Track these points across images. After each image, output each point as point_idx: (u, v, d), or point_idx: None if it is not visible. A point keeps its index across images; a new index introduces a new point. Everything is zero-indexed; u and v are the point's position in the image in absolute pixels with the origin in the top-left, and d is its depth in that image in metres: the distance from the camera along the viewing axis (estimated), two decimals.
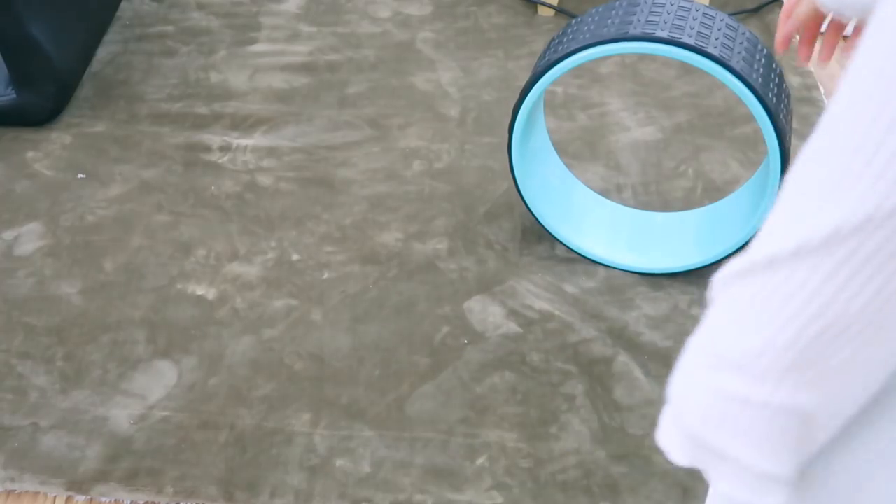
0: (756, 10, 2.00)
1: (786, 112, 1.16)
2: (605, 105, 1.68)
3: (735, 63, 1.11)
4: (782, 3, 2.01)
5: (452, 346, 1.18)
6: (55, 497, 0.98)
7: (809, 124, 1.63)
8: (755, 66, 1.14)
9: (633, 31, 1.13)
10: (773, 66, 1.18)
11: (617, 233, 1.36)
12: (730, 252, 1.26)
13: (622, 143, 1.58)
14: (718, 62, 1.11)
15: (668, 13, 1.15)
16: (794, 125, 1.63)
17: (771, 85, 1.14)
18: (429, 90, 1.69)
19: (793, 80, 1.76)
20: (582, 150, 1.56)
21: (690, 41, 1.11)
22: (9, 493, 0.98)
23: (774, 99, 1.13)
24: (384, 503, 0.98)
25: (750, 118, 1.65)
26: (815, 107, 1.68)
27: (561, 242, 1.34)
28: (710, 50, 1.11)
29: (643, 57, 1.84)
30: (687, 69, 1.80)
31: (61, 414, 1.05)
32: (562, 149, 1.55)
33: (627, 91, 1.73)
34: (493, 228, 1.38)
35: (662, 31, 1.12)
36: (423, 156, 1.52)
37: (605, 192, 1.46)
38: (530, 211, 1.33)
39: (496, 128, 1.60)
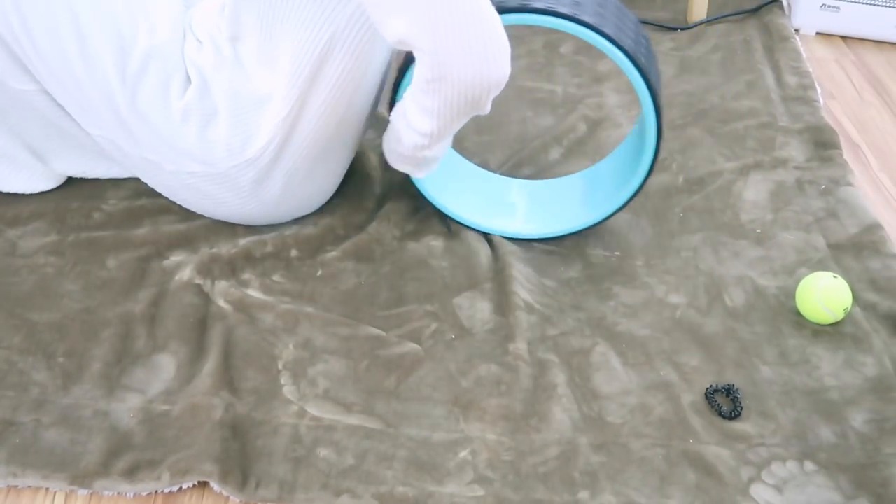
0: (755, 11, 2.01)
1: (655, 72, 1.23)
2: (601, 103, 1.70)
3: (608, 29, 1.18)
4: (781, 3, 2.02)
5: (439, 341, 1.19)
6: (55, 493, 1.00)
7: (803, 122, 1.64)
8: (626, 31, 1.21)
9: (509, 4, 1.17)
10: (641, 31, 1.26)
11: (513, 205, 1.40)
12: (615, 209, 1.33)
13: (612, 138, 1.60)
14: (592, 28, 1.17)
15: None
16: (787, 123, 1.65)
17: (641, 49, 1.21)
18: None
19: (790, 80, 1.76)
20: (574, 145, 1.58)
21: (565, 10, 1.17)
22: (9, 488, 1.00)
23: (644, 60, 1.20)
24: (366, 495, 0.99)
25: (741, 115, 1.66)
26: (810, 106, 1.68)
27: (472, 228, 1.37)
28: (585, 18, 1.17)
29: None
30: (685, 69, 1.81)
31: (63, 410, 1.07)
32: (558, 145, 1.57)
33: (624, 88, 1.74)
34: None
35: (538, 3, 1.17)
36: None
37: None
38: (429, 201, 1.36)
39: (492, 126, 1.62)
